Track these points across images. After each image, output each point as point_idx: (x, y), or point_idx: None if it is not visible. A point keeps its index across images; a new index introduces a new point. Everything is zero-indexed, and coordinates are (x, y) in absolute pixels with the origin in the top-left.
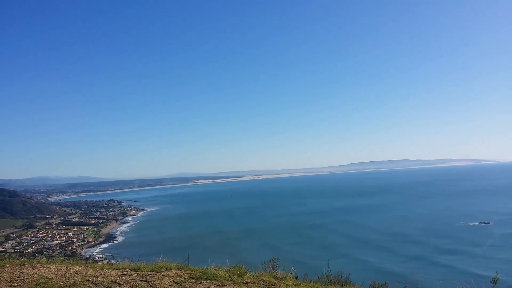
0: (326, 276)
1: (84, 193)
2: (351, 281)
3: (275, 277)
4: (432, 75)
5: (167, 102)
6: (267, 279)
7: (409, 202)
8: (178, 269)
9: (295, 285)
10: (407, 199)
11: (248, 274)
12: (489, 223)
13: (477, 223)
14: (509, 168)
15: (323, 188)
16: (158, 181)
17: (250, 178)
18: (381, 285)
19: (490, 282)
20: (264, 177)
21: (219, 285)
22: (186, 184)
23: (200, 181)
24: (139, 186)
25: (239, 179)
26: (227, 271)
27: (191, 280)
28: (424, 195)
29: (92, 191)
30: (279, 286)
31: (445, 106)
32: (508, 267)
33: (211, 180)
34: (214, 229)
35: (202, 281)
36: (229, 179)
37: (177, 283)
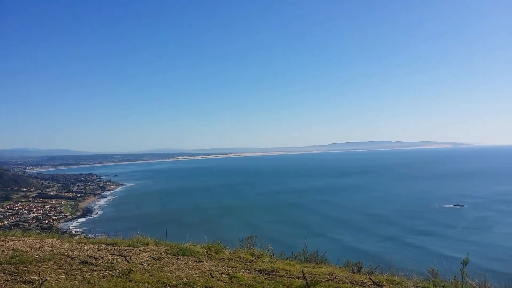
0: (303, 254)
1: (63, 166)
2: (326, 259)
3: (252, 254)
4: (412, 59)
5: (149, 77)
6: (244, 255)
7: (387, 183)
8: (156, 245)
9: (271, 262)
10: (385, 180)
11: (226, 251)
12: (463, 205)
13: (451, 206)
14: (485, 152)
15: (304, 168)
16: (138, 156)
17: (232, 155)
18: (356, 264)
19: (461, 263)
20: (246, 155)
21: (196, 261)
22: (167, 160)
23: (181, 157)
24: (119, 161)
25: (221, 156)
26: (204, 248)
27: (168, 256)
28: (402, 177)
29: (71, 164)
30: (256, 262)
31: (425, 89)
32: (479, 249)
33: (193, 157)
34: (194, 206)
35: (179, 257)
36: (211, 156)
37: (154, 258)
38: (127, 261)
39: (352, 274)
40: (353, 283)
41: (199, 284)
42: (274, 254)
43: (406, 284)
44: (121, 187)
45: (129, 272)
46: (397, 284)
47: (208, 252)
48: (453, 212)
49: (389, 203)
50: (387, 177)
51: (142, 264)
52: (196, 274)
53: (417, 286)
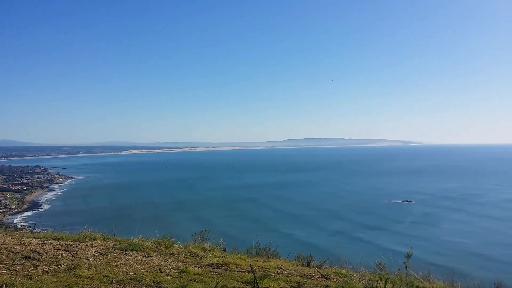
0: (255, 248)
1: (8, 158)
2: (278, 253)
3: (203, 249)
4: (366, 58)
5: (103, 67)
6: (195, 250)
7: (339, 179)
8: (103, 240)
9: (222, 256)
10: (337, 176)
11: (176, 246)
12: (411, 201)
13: (400, 201)
14: (433, 151)
15: (259, 163)
16: (88, 149)
17: (187, 149)
18: (307, 257)
19: (405, 256)
20: (201, 149)
21: (145, 256)
22: (119, 153)
23: (134, 151)
24: (68, 153)
25: (176, 150)
26: (154, 242)
27: (116, 251)
28: (353, 173)
29: (17, 156)
30: (206, 257)
31: (377, 88)
32: (424, 243)
33: (146, 150)
34: (145, 201)
35: (128, 252)
36: (165, 150)
37: (101, 253)
38: (73, 256)
39: (302, 267)
40: (301, 276)
41: (147, 279)
42: (225, 248)
43: (352, 277)
44: (70, 180)
45: (74, 267)
46: (344, 277)
47: (158, 247)
48: (401, 207)
49: (340, 199)
50: (339, 173)
51: (88, 259)
52: (144, 269)
53: (363, 279)
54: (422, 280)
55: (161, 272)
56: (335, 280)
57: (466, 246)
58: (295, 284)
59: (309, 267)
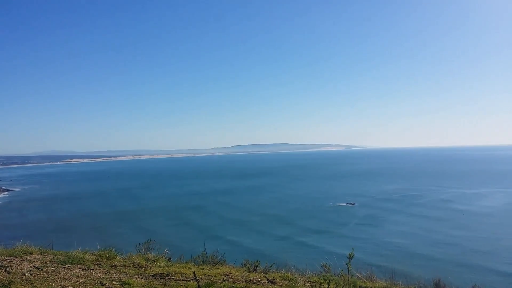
0: (202, 256)
1: None
2: (225, 260)
3: (147, 259)
4: (312, 66)
5: (36, 68)
6: (138, 261)
7: (286, 184)
8: (40, 254)
9: (167, 266)
10: (283, 182)
11: (118, 257)
12: (355, 204)
13: (344, 204)
14: (374, 154)
15: (205, 170)
16: (25, 159)
17: (131, 158)
18: (253, 263)
19: (347, 257)
20: (146, 157)
21: (85, 269)
22: (58, 163)
23: (74, 160)
24: (3, 164)
25: (118, 158)
26: (95, 255)
27: (54, 265)
28: (299, 178)
29: None
30: (150, 268)
31: (321, 94)
32: (367, 245)
33: (87, 160)
34: (86, 212)
35: (67, 266)
36: (107, 159)
37: (37, 268)
38: (7, 271)
39: (248, 273)
40: (248, 282)
41: None
42: (171, 258)
43: (298, 280)
44: (5, 192)
45: (9, 283)
46: (289, 281)
47: (99, 259)
48: (345, 210)
49: (287, 203)
50: (285, 178)
51: (24, 275)
52: (84, 282)
53: (308, 281)
54: (365, 280)
55: (102, 285)
56: (280, 284)
57: (406, 246)
58: None
59: (255, 273)
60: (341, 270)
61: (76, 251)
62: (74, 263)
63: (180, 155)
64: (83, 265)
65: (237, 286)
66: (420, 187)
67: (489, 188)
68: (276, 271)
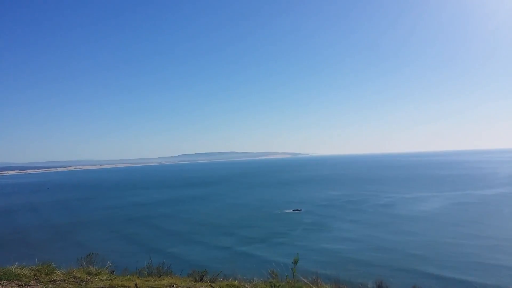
0: (147, 268)
1: None
2: (171, 271)
3: (89, 273)
4: (254, 76)
5: None
6: (79, 275)
7: (231, 192)
8: None
9: (110, 279)
10: (230, 190)
11: (58, 272)
12: (301, 210)
13: (291, 211)
14: (318, 161)
15: (149, 179)
16: None
17: (72, 168)
18: (200, 273)
19: (292, 263)
20: (88, 168)
21: (21, 285)
22: None
23: (11, 172)
24: None
25: (59, 169)
26: (33, 270)
27: None
28: (247, 186)
29: None
30: (92, 281)
31: (268, 103)
32: (309, 252)
33: (25, 171)
34: (21, 227)
35: (2, 282)
36: (47, 170)
37: None
38: None
39: (195, 283)
40: None
41: None
42: (114, 271)
43: (244, 287)
44: None
45: None
46: None
47: (37, 274)
48: (292, 216)
49: (233, 212)
50: (231, 187)
51: None
52: None
53: None
54: (311, 285)
55: None
56: None
57: (349, 252)
58: None
59: (202, 282)
60: (287, 275)
61: (12, 266)
62: (10, 279)
63: (124, 165)
64: (20, 280)
65: None
66: (363, 192)
67: (427, 193)
68: (223, 280)
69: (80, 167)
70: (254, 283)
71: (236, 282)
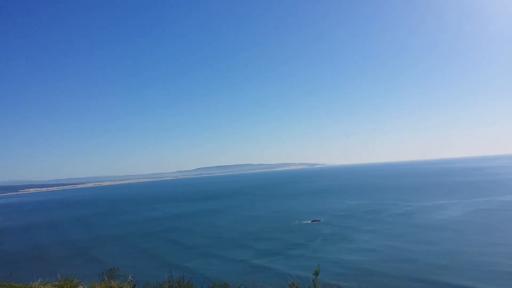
0: (168, 282)
1: None
2: (192, 285)
3: (110, 287)
4: (276, 89)
5: None
6: None
7: (248, 205)
8: None
9: None
10: (247, 202)
11: (81, 287)
12: (320, 220)
13: (309, 221)
14: (335, 171)
15: (166, 194)
16: None
17: (91, 185)
18: (222, 285)
19: (313, 274)
20: (107, 183)
21: None
22: (15, 193)
23: (32, 190)
24: None
25: (78, 186)
26: (55, 286)
27: None
28: (263, 198)
29: None
30: None
31: (281, 115)
32: (328, 263)
33: (45, 188)
34: (42, 244)
35: None
36: (67, 187)
37: None
38: None
39: None
40: None
41: None
42: (135, 285)
43: None
44: None
45: None
46: None
47: None
48: (311, 227)
49: (248, 225)
50: (248, 199)
51: None
52: None
53: None
54: None
55: None
56: None
57: (368, 264)
58: None
59: None
60: (308, 287)
61: (36, 282)
62: None
63: (142, 180)
64: None
65: None
66: (381, 201)
67: (447, 200)
68: None
69: (99, 183)
70: None
71: None
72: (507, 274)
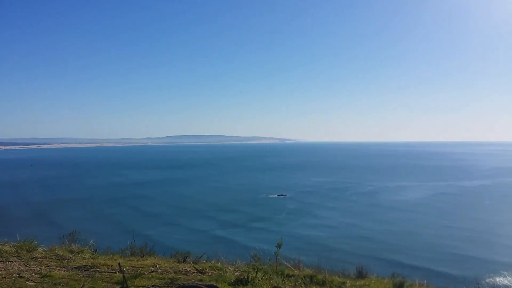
0: (130, 248)
1: None
2: (154, 252)
3: (71, 251)
4: (246, 62)
5: None
6: (61, 253)
7: (216, 176)
8: None
9: (92, 258)
10: (215, 174)
11: (40, 249)
12: (286, 195)
13: (276, 196)
14: (306, 147)
15: (133, 160)
16: None
17: (57, 146)
18: (183, 254)
19: (276, 246)
20: (73, 146)
21: (2, 261)
22: None
23: None
24: None
25: (44, 146)
26: (14, 246)
27: None
28: (232, 170)
29: None
30: (74, 259)
31: (257, 88)
32: (291, 238)
33: (8, 147)
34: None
35: None
36: (31, 146)
37: None
38: None
39: (178, 264)
40: (176, 273)
41: (5, 286)
42: (96, 250)
43: (227, 269)
44: None
45: None
46: (218, 270)
47: (19, 251)
48: (276, 202)
49: (214, 196)
50: (216, 170)
51: None
52: (1, 275)
53: (237, 270)
54: (293, 268)
55: (21, 277)
56: (209, 273)
57: (331, 239)
58: (169, 280)
59: (185, 263)
60: (270, 259)
61: None
62: None
63: (109, 144)
64: (1, 257)
65: (165, 277)
66: (347, 180)
67: (410, 182)
68: (206, 261)
69: (65, 145)
70: (236, 265)
71: (219, 264)
72: (459, 256)
